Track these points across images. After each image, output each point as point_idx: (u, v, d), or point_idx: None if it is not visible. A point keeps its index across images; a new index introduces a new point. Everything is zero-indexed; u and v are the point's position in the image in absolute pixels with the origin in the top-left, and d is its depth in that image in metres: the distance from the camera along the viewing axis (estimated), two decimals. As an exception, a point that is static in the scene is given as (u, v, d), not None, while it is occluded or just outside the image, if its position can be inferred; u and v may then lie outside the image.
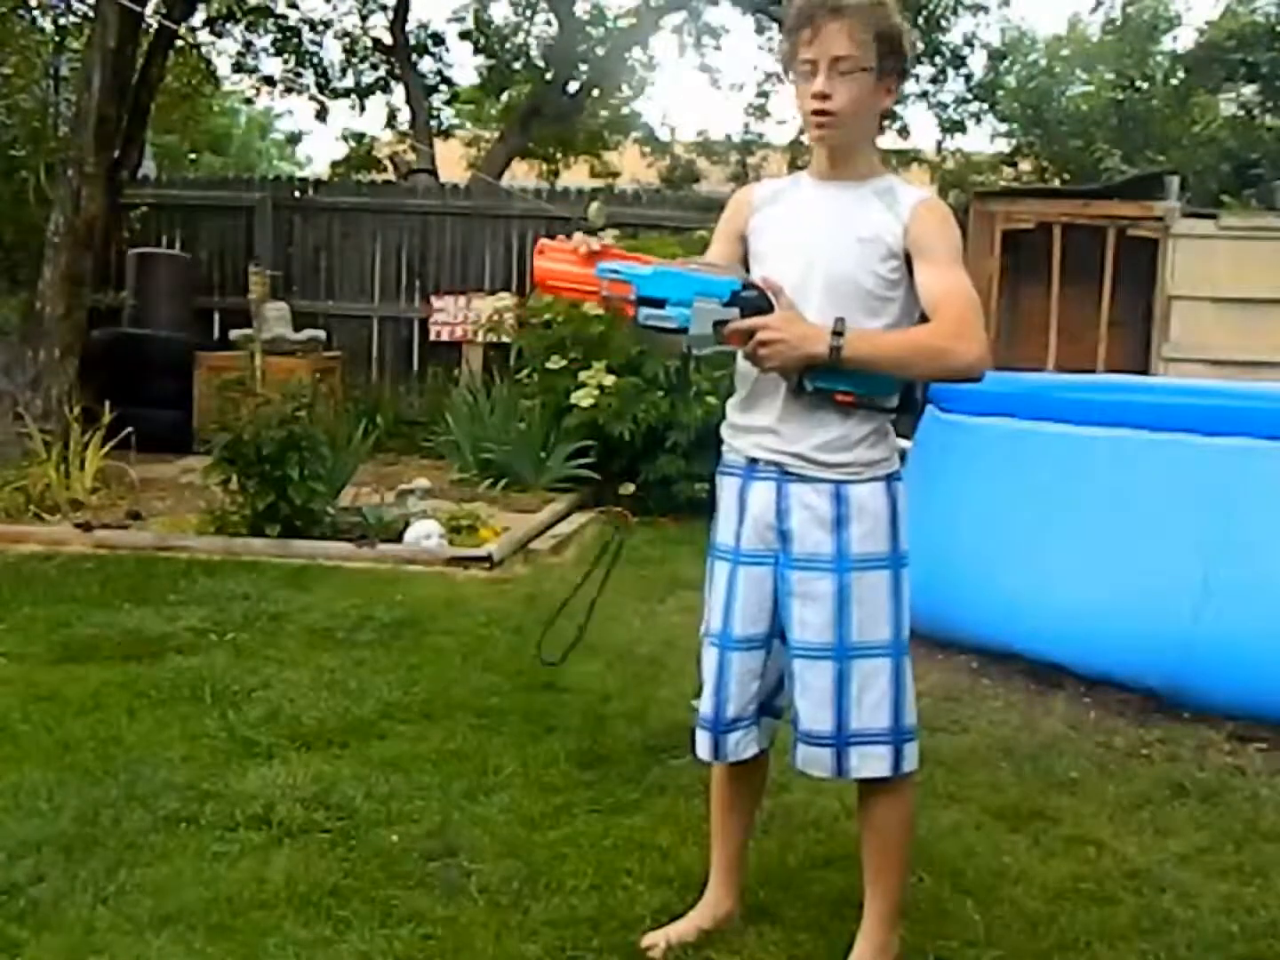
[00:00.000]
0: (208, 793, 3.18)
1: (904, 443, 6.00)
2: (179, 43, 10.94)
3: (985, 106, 14.69)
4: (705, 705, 2.47)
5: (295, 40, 14.07)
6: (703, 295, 2.25)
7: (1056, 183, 12.73)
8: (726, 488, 2.47)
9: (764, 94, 15.41)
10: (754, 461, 2.40)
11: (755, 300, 2.25)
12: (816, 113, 2.29)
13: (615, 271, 2.27)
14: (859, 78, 2.26)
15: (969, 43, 14.20)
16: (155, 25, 9.16)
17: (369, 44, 14.49)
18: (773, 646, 2.43)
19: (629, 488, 7.46)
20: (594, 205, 9.88)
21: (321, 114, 15.11)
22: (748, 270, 2.40)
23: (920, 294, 2.29)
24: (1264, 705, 3.90)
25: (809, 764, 2.42)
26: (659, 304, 2.26)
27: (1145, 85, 13.34)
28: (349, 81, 14.72)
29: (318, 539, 6.07)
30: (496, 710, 3.91)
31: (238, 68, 14.33)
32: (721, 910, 2.60)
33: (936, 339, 2.25)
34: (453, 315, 10.27)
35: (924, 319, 2.31)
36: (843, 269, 2.31)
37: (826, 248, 2.33)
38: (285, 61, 14.27)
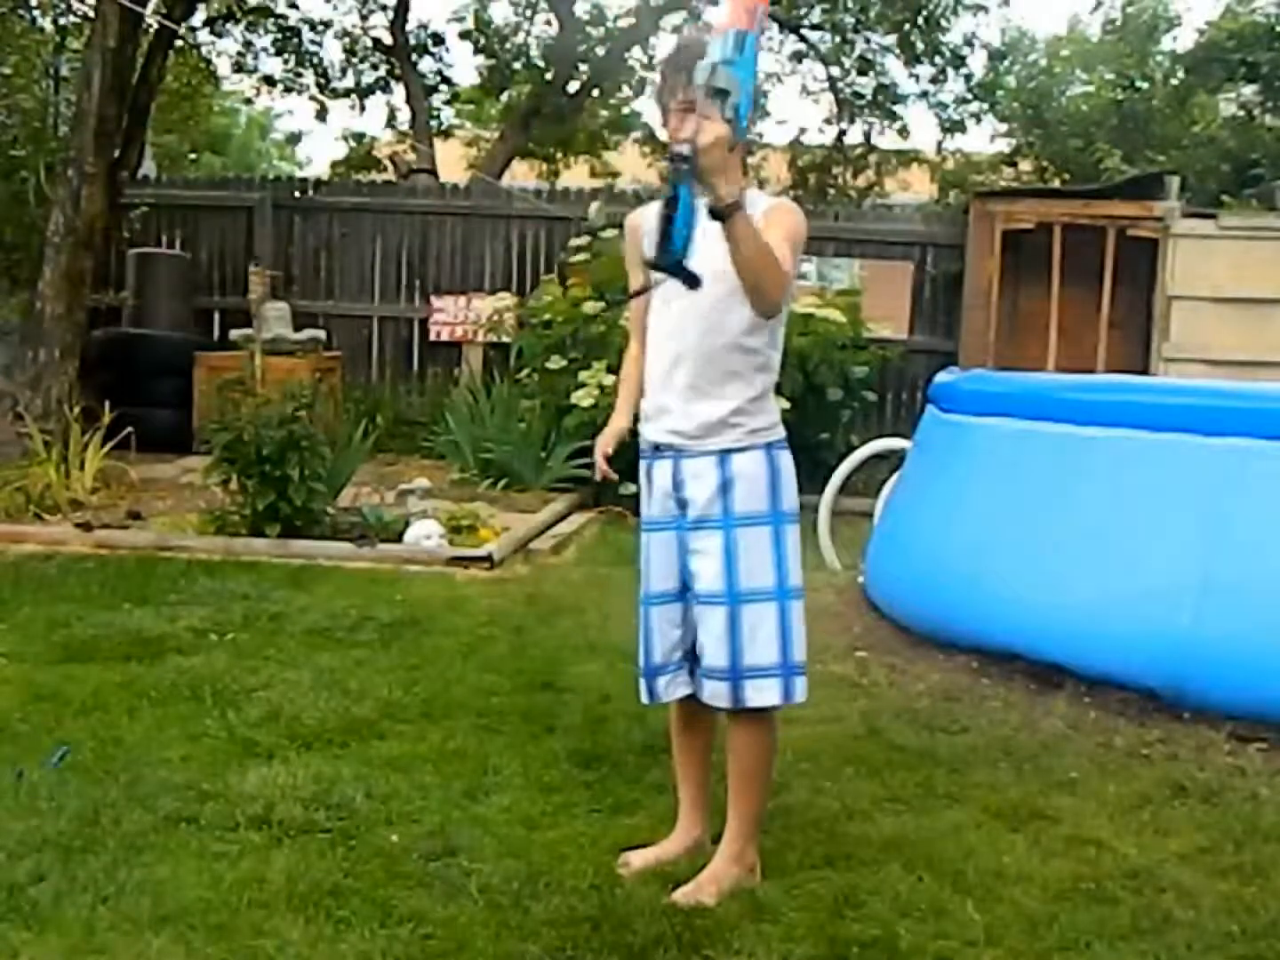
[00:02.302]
0: (208, 793, 3.18)
1: (904, 443, 6.01)
2: (179, 43, 10.95)
3: (985, 106, 14.67)
4: (640, 656, 2.91)
5: (295, 40, 14.08)
6: None
7: (1056, 183, 12.70)
8: (641, 469, 2.92)
9: (764, 94, 15.40)
10: (656, 446, 2.83)
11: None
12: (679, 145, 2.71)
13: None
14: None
15: (969, 43, 14.19)
16: (155, 25, 9.17)
17: (369, 44, 14.50)
18: (687, 600, 2.84)
19: (629, 488, 7.46)
20: (594, 205, 9.87)
21: (321, 114, 15.12)
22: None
23: None
24: (1264, 705, 3.90)
25: (713, 697, 2.79)
26: None
27: (1145, 85, 13.33)
28: (349, 81, 14.73)
29: (318, 539, 6.07)
30: (496, 710, 3.91)
31: (238, 68, 14.34)
32: (690, 837, 2.93)
33: (780, 263, 2.62)
34: (453, 315, 10.28)
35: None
36: (715, 266, 2.66)
37: (703, 251, 2.65)
38: (285, 61, 14.28)
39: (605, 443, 2.91)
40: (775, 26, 14.74)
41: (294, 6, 13.87)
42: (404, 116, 15.06)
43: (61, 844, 2.87)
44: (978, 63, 14.44)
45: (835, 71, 14.79)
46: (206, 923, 2.57)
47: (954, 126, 14.74)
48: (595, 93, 15.31)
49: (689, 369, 2.77)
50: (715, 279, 2.72)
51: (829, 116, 15.13)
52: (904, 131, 14.97)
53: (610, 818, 3.13)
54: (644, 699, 2.92)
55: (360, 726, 3.71)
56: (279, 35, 14.01)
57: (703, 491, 2.75)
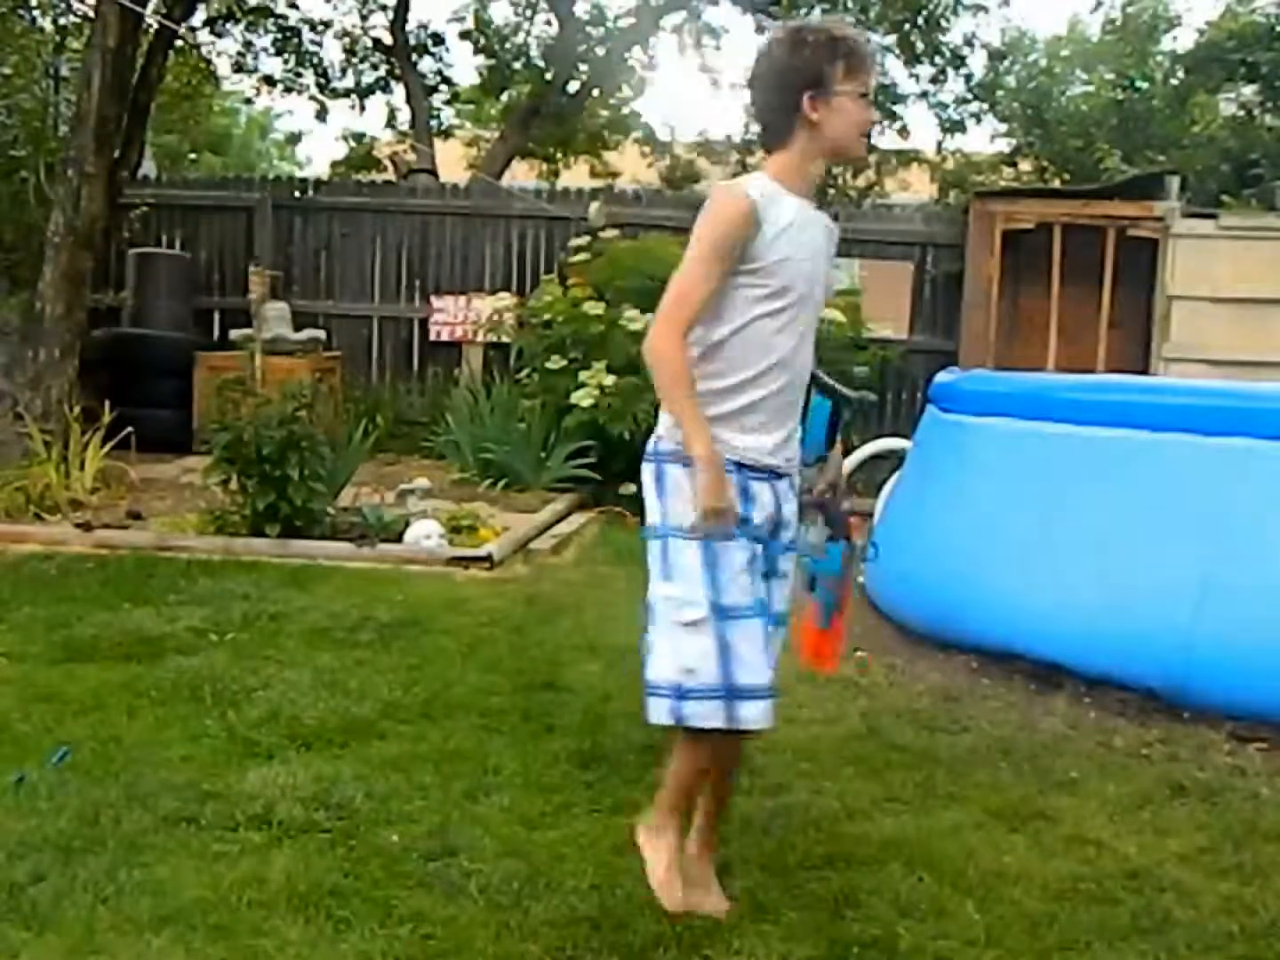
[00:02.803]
0: (208, 793, 3.18)
1: (904, 443, 6.02)
2: (179, 43, 10.95)
3: (985, 106, 14.66)
4: (759, 676, 2.52)
5: (295, 40, 14.09)
6: None
7: (1056, 183, 12.70)
8: (733, 485, 2.57)
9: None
10: (765, 468, 2.61)
11: None
12: (868, 135, 2.66)
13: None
14: None
15: (969, 43, 14.17)
16: (155, 25, 9.17)
17: (369, 44, 14.50)
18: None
19: (629, 488, 7.48)
20: (594, 205, 9.88)
21: (321, 114, 15.12)
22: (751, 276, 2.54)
23: None
24: (1264, 705, 3.90)
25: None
26: None
27: (1145, 85, 13.33)
28: (349, 81, 14.73)
29: (318, 539, 6.07)
30: (496, 710, 3.91)
31: (238, 68, 14.34)
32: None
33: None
34: (453, 315, 10.28)
35: None
36: (817, 295, 2.67)
37: (820, 272, 2.66)
38: (285, 61, 14.28)
39: (728, 492, 2.51)
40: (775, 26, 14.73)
41: (294, 6, 13.88)
42: (404, 116, 15.07)
43: (61, 844, 2.87)
44: (978, 63, 14.43)
45: (835, 71, 14.76)
46: (206, 923, 2.57)
47: (954, 126, 14.73)
48: (595, 93, 15.31)
49: (799, 397, 2.69)
50: (817, 305, 2.67)
51: (829, 116, 15.09)
52: (904, 131, 14.96)
53: (610, 818, 3.13)
54: (765, 723, 2.53)
55: (360, 726, 3.71)
56: (279, 35, 14.02)
57: (792, 514, 2.72)
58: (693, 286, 2.51)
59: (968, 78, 14.43)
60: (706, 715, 2.52)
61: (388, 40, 14.16)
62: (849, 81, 2.56)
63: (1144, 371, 9.09)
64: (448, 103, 16.12)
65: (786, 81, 2.56)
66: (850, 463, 6.60)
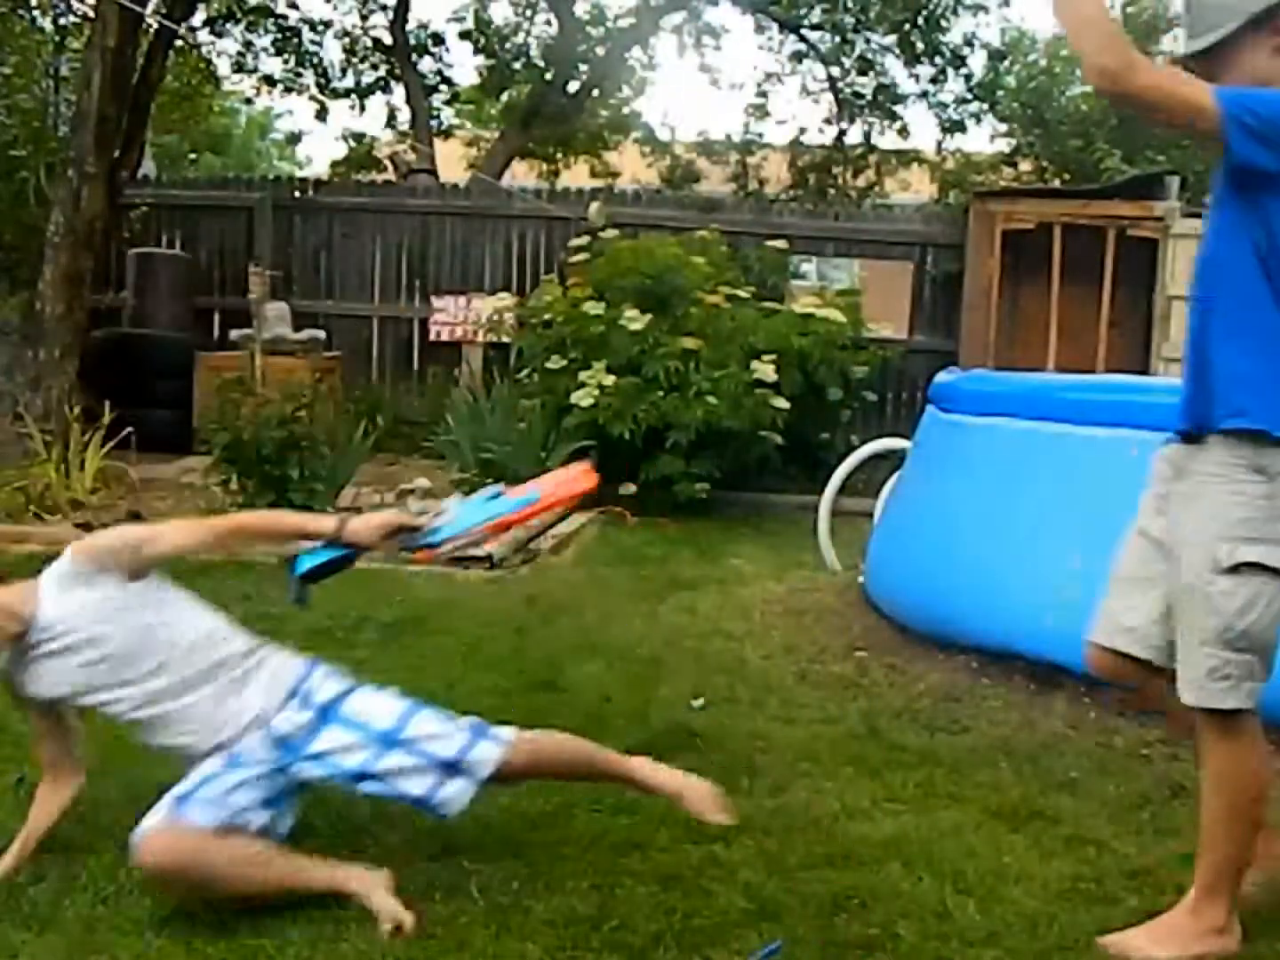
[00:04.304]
0: (208, 793, 3.17)
1: (904, 443, 6.01)
2: (179, 43, 10.96)
3: (985, 106, 14.68)
4: None
5: (295, 40, 14.11)
6: None
7: (1056, 183, 12.71)
8: None
9: (764, 94, 15.44)
10: None
11: None
12: None
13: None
14: None
15: (969, 43, 14.21)
16: (155, 25, 9.18)
17: (369, 44, 14.53)
18: None
19: (629, 488, 7.48)
20: (594, 205, 9.89)
21: (321, 114, 15.14)
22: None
23: None
24: (1264, 705, 3.89)
25: None
26: None
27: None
28: (349, 81, 14.76)
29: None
30: (496, 710, 3.89)
31: (238, 68, 14.37)
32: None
33: None
34: (453, 315, 10.29)
35: None
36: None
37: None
38: (285, 61, 14.31)
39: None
40: (775, 26, 14.77)
41: (294, 6, 13.91)
42: (404, 116, 15.09)
43: (61, 844, 2.87)
44: (978, 63, 14.48)
45: (835, 71, 14.81)
46: (206, 923, 2.57)
47: (954, 126, 14.76)
48: (595, 93, 15.32)
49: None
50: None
51: (829, 116, 15.15)
52: (904, 131, 14.99)
53: (610, 818, 3.13)
54: None
55: (360, 726, 3.70)
56: (279, 35, 14.05)
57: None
58: None
59: (968, 78, 14.46)
60: None
61: (388, 40, 14.19)
62: None
63: (1144, 371, 9.09)
64: (448, 103, 16.14)
65: None
66: (850, 463, 6.60)
